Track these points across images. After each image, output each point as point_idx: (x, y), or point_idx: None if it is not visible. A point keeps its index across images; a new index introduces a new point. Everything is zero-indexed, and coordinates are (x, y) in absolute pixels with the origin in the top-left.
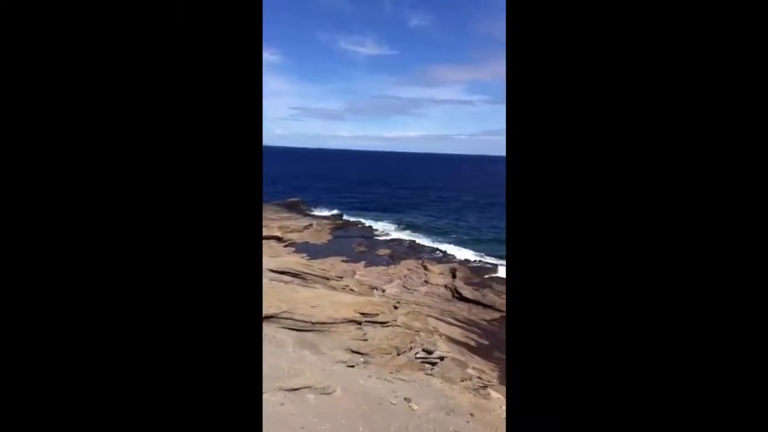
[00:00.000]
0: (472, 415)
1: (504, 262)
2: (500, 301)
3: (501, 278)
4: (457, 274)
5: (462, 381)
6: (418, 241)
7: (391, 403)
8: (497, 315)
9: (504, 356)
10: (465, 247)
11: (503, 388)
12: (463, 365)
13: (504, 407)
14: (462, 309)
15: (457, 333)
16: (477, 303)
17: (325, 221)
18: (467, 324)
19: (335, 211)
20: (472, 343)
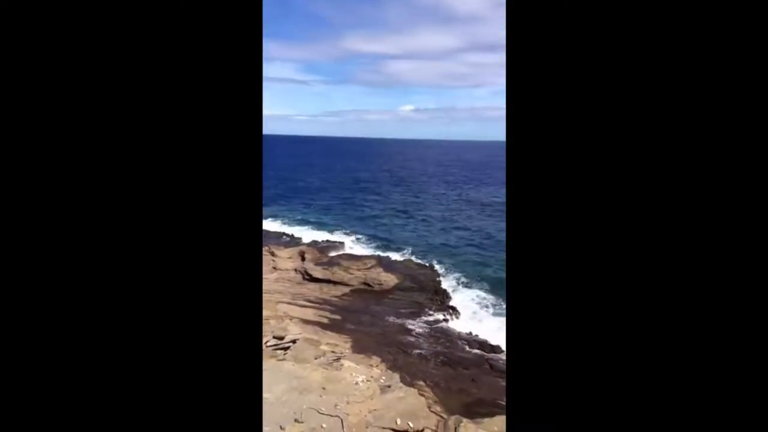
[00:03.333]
0: (324, 388)
1: (351, 238)
2: (348, 276)
3: (348, 254)
4: (306, 256)
5: (316, 359)
6: (263, 227)
7: None
8: (347, 290)
9: (356, 327)
10: (312, 228)
11: (356, 356)
12: (316, 344)
13: (354, 374)
14: (313, 290)
15: (309, 314)
16: (327, 281)
17: None
18: (319, 303)
19: None
20: (325, 321)
